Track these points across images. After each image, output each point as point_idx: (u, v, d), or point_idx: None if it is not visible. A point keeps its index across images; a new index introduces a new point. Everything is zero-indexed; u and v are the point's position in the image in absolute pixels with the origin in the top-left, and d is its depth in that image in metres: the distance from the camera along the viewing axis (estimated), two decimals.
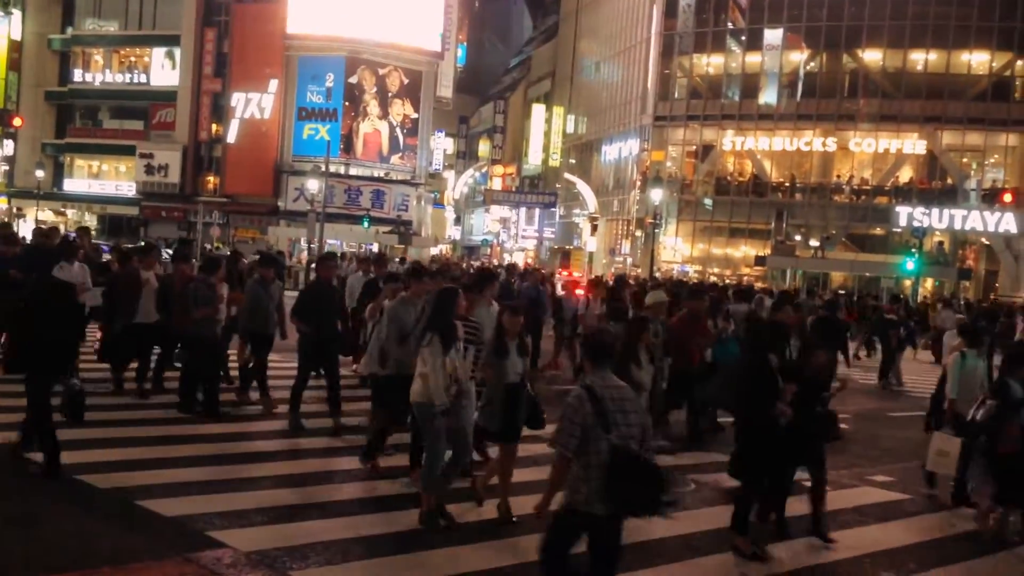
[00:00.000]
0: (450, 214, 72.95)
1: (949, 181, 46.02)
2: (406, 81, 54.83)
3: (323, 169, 43.08)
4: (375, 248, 48.70)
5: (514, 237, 67.35)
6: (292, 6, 51.71)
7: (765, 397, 6.99)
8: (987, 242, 45.49)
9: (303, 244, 44.91)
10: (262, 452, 9.21)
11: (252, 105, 52.87)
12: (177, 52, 55.30)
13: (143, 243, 20.98)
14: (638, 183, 52.01)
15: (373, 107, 54.01)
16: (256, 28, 52.37)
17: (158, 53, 56.34)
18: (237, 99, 52.96)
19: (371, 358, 8.97)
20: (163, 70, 56.06)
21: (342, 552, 6.40)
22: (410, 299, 8.28)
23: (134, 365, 11.35)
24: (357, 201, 51.46)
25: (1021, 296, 38.52)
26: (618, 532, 4.97)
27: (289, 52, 52.69)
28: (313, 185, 43.73)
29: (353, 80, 53.06)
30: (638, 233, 51.37)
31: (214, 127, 54.98)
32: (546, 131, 65.90)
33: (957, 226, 44.20)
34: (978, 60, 46.31)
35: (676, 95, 52.95)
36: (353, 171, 52.82)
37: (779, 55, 47.96)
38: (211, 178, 55.13)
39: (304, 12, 51.48)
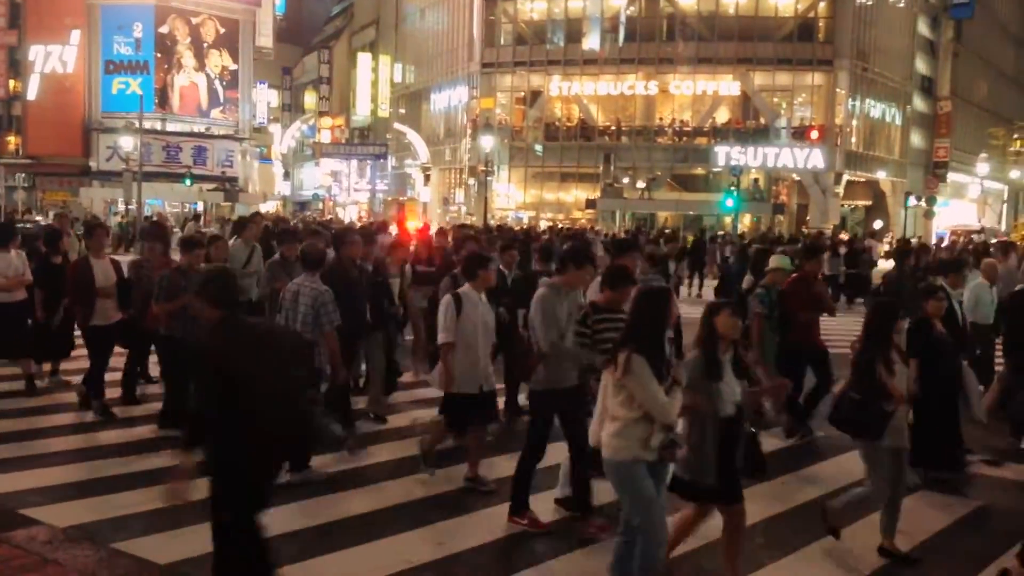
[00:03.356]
0: (278, 169, 70.75)
1: (762, 120, 48.32)
2: (222, 30, 52.38)
3: (137, 126, 40.75)
4: (199, 207, 46.85)
5: (346, 190, 66.10)
6: None
7: None
8: (797, 178, 48.24)
9: (120, 206, 42.59)
10: (71, 425, 8.72)
11: (53, 59, 49.24)
12: None
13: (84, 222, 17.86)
14: (469, 131, 51.97)
15: (188, 58, 51.39)
16: None
17: None
18: (36, 52, 49.17)
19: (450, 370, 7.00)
20: None
21: (169, 520, 6.15)
22: (563, 287, 6.43)
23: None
24: (177, 158, 49.08)
25: (829, 227, 41.15)
26: None
27: (91, 1, 49.21)
28: (127, 143, 41.35)
29: (164, 30, 50.23)
30: (471, 181, 51.46)
31: (12, 83, 50.96)
32: (373, 81, 64.64)
33: (770, 164, 46.63)
34: (784, 3, 48.56)
35: (502, 41, 52.97)
36: (171, 127, 50.28)
37: (600, 0, 48.67)
38: (12, 138, 51.24)
39: None
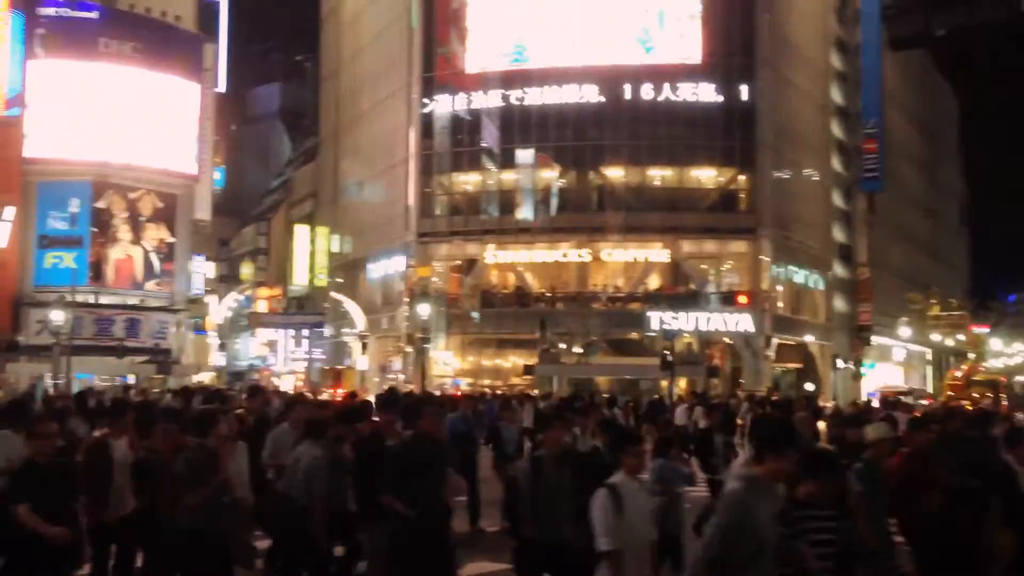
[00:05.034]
0: (213, 340, 70.02)
1: (692, 286, 49.81)
2: (160, 205, 52.79)
3: (69, 299, 40.31)
4: (131, 380, 45.84)
5: (283, 360, 65.58)
6: (29, 130, 48.81)
7: None
8: (729, 341, 49.34)
9: (48, 381, 41.43)
10: None
11: None
12: None
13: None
14: (406, 299, 52.45)
15: (124, 232, 51.45)
16: None
17: None
18: None
19: None
20: None
21: None
22: (763, 482, 4.90)
23: None
24: (109, 331, 48.25)
25: (763, 390, 41.81)
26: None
27: (28, 177, 49.42)
28: (58, 316, 40.71)
29: (101, 205, 50.46)
30: (408, 349, 51.51)
31: None
32: (311, 251, 65.41)
33: (702, 328, 47.72)
34: (706, 175, 51.16)
35: (438, 212, 54.38)
36: (104, 299, 49.68)
37: (532, 173, 50.64)
38: None
39: (43, 136, 48.67)
